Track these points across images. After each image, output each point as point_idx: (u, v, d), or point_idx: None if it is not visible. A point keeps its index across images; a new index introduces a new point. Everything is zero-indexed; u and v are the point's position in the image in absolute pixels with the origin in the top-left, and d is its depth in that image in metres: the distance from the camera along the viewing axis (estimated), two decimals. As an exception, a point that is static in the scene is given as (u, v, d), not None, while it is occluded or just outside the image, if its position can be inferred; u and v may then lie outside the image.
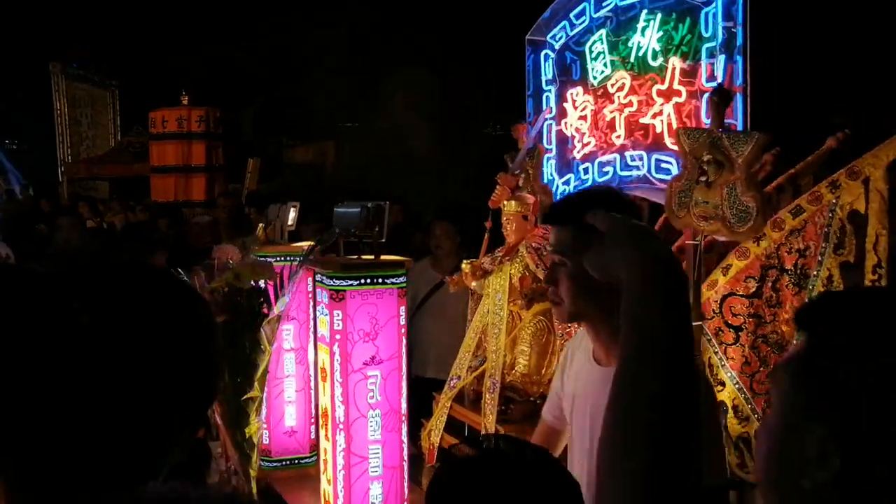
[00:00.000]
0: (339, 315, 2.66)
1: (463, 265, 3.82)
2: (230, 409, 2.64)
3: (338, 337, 2.69)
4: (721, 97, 3.06)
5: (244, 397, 2.64)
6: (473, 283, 3.80)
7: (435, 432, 3.73)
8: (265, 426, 3.42)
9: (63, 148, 20.47)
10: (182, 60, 17.46)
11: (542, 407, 2.42)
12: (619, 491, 0.98)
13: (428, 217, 6.98)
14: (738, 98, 3.19)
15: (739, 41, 3.18)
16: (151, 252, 4.50)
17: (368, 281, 2.69)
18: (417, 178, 12.13)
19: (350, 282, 2.69)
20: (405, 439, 2.85)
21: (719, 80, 3.20)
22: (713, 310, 3.20)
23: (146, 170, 15.17)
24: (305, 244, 3.48)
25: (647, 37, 3.54)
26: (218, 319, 2.58)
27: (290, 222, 3.83)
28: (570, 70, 3.95)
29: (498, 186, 3.80)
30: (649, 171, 3.57)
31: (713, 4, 3.22)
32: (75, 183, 18.63)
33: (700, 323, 3.17)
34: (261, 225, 3.96)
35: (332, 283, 2.69)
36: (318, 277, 2.87)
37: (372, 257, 2.80)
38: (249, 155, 14.11)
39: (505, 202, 3.69)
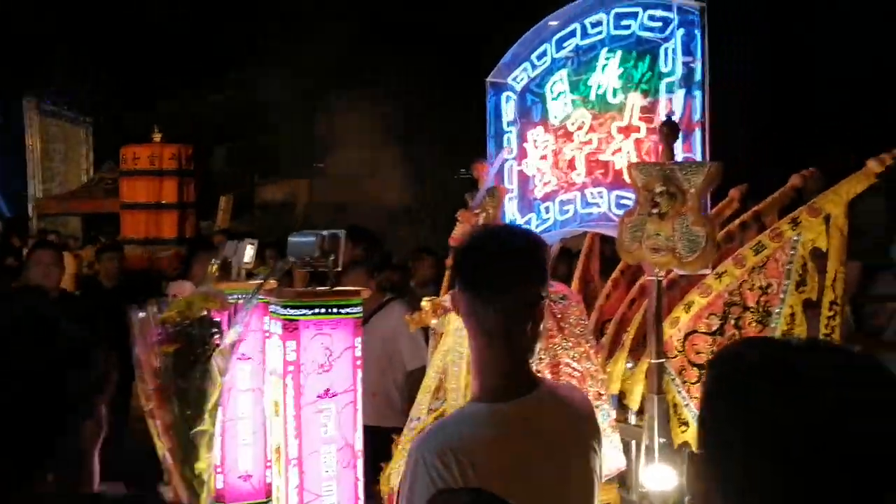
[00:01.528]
0: (292, 346, 2.59)
1: (423, 303, 3.76)
2: (180, 443, 2.53)
3: (290, 368, 2.61)
4: (671, 129, 3.08)
5: (194, 430, 2.54)
6: (433, 322, 3.72)
7: (395, 475, 3.64)
8: (219, 470, 3.30)
9: (35, 183, 20.35)
10: (156, 99, 17.50)
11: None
12: None
13: (401, 257, 6.98)
14: (697, 132, 3.22)
15: (698, 76, 3.22)
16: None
17: (323, 311, 2.63)
18: (389, 219, 12.14)
19: (304, 311, 2.62)
20: (360, 476, 2.76)
21: (678, 115, 3.23)
22: (676, 348, 3.17)
23: (118, 206, 15.04)
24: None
25: (606, 75, 3.57)
26: (168, 349, 2.47)
27: (247, 260, 3.73)
28: (531, 111, 3.99)
29: (458, 224, 3.80)
30: (609, 208, 3.58)
31: (672, 40, 3.26)
32: (46, 219, 18.48)
33: (662, 361, 3.14)
34: (213, 261, 3.87)
35: (285, 312, 2.62)
36: (271, 308, 2.80)
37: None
38: (221, 193, 14.07)
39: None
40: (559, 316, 3.49)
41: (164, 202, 14.11)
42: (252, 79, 16.23)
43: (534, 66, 3.94)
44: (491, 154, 4.18)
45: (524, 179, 4.01)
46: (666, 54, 3.33)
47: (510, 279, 1.71)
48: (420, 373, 3.99)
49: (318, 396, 2.64)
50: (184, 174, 14.10)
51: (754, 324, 3.00)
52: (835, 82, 11.32)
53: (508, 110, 4.08)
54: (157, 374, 2.47)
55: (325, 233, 2.75)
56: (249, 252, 3.67)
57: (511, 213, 4.03)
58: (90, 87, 20.21)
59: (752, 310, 3.02)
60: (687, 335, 3.15)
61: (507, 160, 4.06)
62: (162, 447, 2.56)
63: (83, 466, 1.24)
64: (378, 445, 3.79)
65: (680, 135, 3.19)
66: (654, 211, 2.99)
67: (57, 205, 18.93)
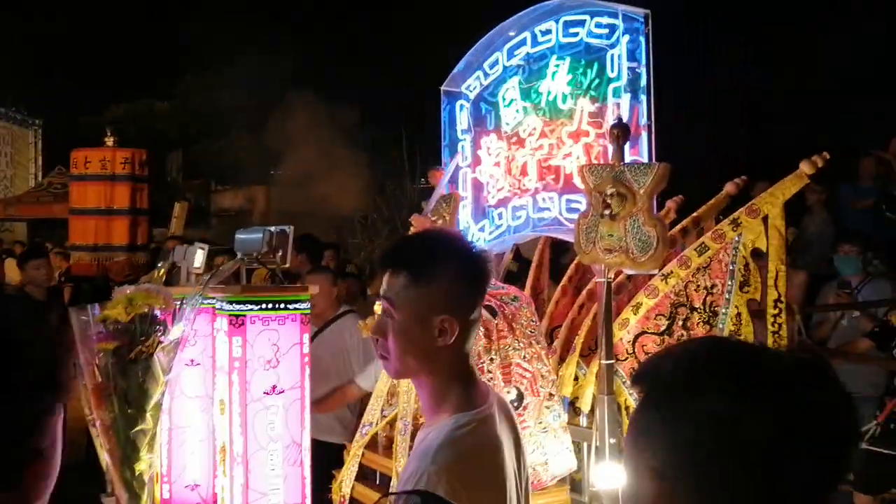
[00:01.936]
0: (238, 341, 2.56)
1: (375, 307, 3.72)
2: (119, 442, 2.47)
3: (237, 364, 2.59)
4: (621, 131, 3.14)
5: (135, 430, 2.49)
6: None
7: (346, 482, 3.64)
8: (166, 480, 3.24)
9: (-22, 187, 19.92)
10: (109, 103, 17.25)
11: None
12: None
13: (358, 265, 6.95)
14: (644, 136, 3.30)
15: (644, 81, 3.31)
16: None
17: (270, 306, 2.62)
18: (347, 227, 12.09)
19: (250, 306, 2.60)
20: (307, 474, 2.75)
21: (625, 119, 3.31)
22: (626, 350, 3.23)
23: (66, 211, 14.72)
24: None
25: (556, 82, 3.66)
26: (108, 346, 2.43)
27: (196, 265, 3.69)
28: (485, 119, 4.06)
29: (412, 229, 3.83)
30: (560, 212, 3.65)
31: (617, 47, 3.35)
32: (-10, 224, 18.06)
33: (612, 362, 3.18)
34: (160, 265, 3.82)
35: (231, 307, 2.61)
36: (217, 305, 2.79)
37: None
38: (175, 199, 13.87)
39: None
40: (511, 317, 3.53)
41: (115, 208, 13.79)
42: (208, 84, 16.07)
43: (486, 75, 4.02)
44: (446, 161, 4.24)
45: (478, 186, 4.08)
46: (612, 60, 3.42)
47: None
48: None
49: (265, 393, 2.62)
50: (137, 180, 13.79)
51: (701, 324, 3.07)
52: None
53: (462, 118, 4.15)
54: (96, 373, 2.43)
55: (272, 228, 2.74)
56: (199, 256, 3.63)
57: (465, 219, 4.08)
58: (40, 89, 19.80)
59: (698, 310, 3.09)
60: (636, 337, 3.21)
61: (461, 167, 4.13)
62: (103, 453, 2.52)
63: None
64: (325, 460, 3.76)
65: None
66: (606, 212, 3.05)
67: (2, 209, 18.39)
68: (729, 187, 3.35)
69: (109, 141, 13.91)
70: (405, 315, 1.63)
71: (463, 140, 4.16)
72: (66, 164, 15.23)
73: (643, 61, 3.34)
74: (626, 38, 3.38)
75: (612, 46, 3.42)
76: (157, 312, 2.58)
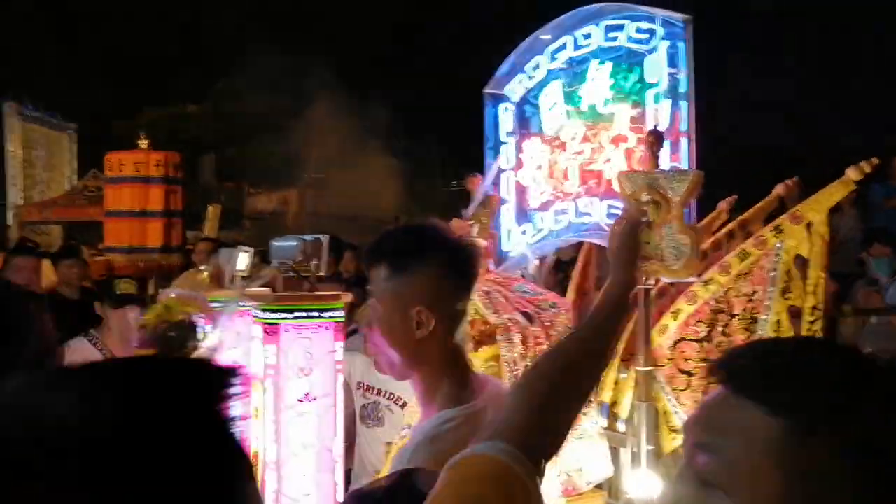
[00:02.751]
0: (272, 349, 2.62)
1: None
2: None
3: (271, 372, 2.65)
4: (656, 139, 3.16)
5: None
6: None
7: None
8: None
9: (15, 191, 20.22)
10: (144, 107, 17.55)
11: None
12: None
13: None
14: (684, 142, 3.30)
15: (684, 87, 3.32)
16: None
17: (304, 315, 2.67)
18: (378, 229, 12.13)
19: (284, 315, 2.66)
20: (339, 481, 2.80)
21: (665, 125, 3.31)
22: (666, 356, 3.23)
23: (101, 214, 14.95)
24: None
25: (597, 86, 3.69)
26: (147, 353, 2.56)
27: (241, 268, 3.75)
28: (529, 122, 4.09)
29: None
30: (601, 217, 3.66)
31: (657, 52, 3.35)
32: (26, 227, 18.35)
33: (651, 369, 3.19)
34: (204, 268, 3.89)
35: (265, 316, 2.66)
36: (253, 312, 2.85)
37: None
38: (209, 201, 14.05)
39: None
40: (547, 323, 3.55)
41: (149, 210, 13.98)
42: (242, 87, 16.26)
43: (529, 78, 4.06)
44: (489, 164, 4.28)
45: (520, 189, 4.12)
46: (651, 65, 3.43)
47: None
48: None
49: (298, 400, 2.67)
50: (170, 182, 13.95)
51: (741, 331, 3.07)
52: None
53: (507, 121, 4.19)
54: None
55: (307, 237, 2.80)
56: (244, 259, 3.69)
57: (507, 222, 4.13)
58: (75, 93, 20.20)
59: (738, 316, 3.09)
60: (676, 343, 3.21)
61: (503, 170, 4.17)
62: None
63: None
64: None
65: (667, 144, 3.28)
66: (642, 220, 3.08)
67: (37, 212, 18.71)
68: (779, 189, 3.34)
69: (143, 144, 14.12)
70: (386, 307, 1.64)
71: (507, 143, 4.20)
72: (101, 167, 15.51)
73: (683, 67, 3.34)
74: (666, 43, 3.39)
75: (652, 52, 3.43)
76: (195, 319, 2.66)
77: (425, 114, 14.06)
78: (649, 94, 3.45)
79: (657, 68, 3.42)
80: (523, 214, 4.10)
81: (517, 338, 3.49)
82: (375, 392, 3.82)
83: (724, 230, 3.37)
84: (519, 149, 4.15)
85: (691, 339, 3.20)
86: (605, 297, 1.50)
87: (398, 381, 1.84)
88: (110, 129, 17.89)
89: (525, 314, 3.55)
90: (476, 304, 3.57)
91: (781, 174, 3.45)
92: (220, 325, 2.68)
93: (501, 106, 4.21)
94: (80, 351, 3.61)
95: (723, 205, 3.52)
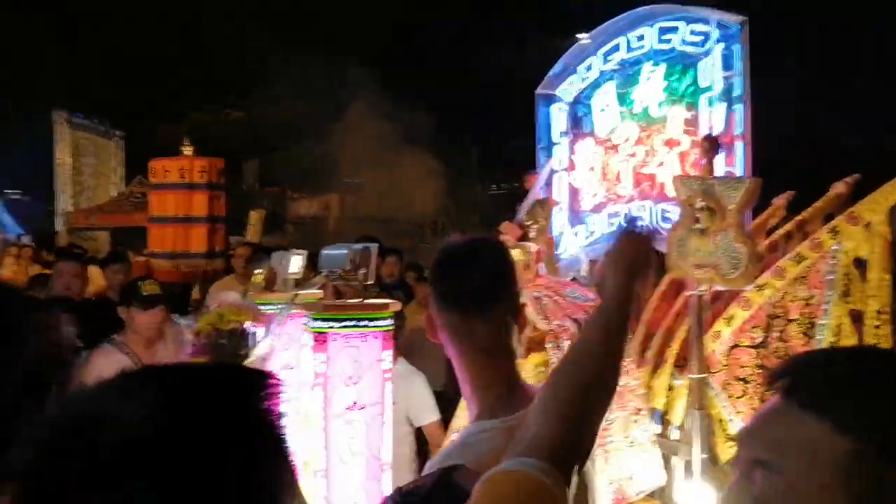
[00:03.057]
0: (321, 357, 2.65)
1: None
2: None
3: (320, 380, 2.67)
4: (711, 144, 3.11)
5: None
6: None
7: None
8: None
9: (64, 198, 20.70)
10: (188, 113, 17.84)
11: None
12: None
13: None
14: (739, 146, 3.24)
15: (739, 90, 3.26)
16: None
17: (351, 323, 2.69)
18: (418, 232, 12.19)
19: (332, 323, 2.69)
20: (387, 489, 2.80)
21: (719, 129, 3.26)
22: (720, 363, 3.18)
23: (146, 220, 15.19)
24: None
25: (650, 88, 3.64)
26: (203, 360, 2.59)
27: (294, 271, 3.77)
28: (582, 123, 4.06)
29: (502, 236, 3.85)
30: (655, 221, 3.61)
31: (711, 55, 3.30)
32: (74, 233, 18.77)
33: (704, 376, 3.14)
34: (259, 272, 3.92)
35: (314, 325, 2.69)
36: (304, 320, 2.88)
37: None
38: (252, 207, 14.22)
39: None
40: None
41: (193, 216, 14.18)
42: (284, 93, 16.42)
43: (582, 79, 4.03)
44: (540, 165, 4.24)
45: (573, 191, 4.08)
46: (705, 69, 3.38)
47: (496, 288, 1.68)
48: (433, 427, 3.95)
49: (347, 408, 2.69)
50: (214, 188, 14.12)
51: (799, 336, 3.00)
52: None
53: (560, 121, 4.16)
54: None
55: (356, 246, 2.82)
56: (297, 263, 3.70)
57: (560, 224, 4.08)
58: (121, 101, 20.60)
59: (796, 321, 3.02)
60: (730, 349, 3.16)
61: (556, 171, 4.14)
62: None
63: None
64: None
65: (721, 149, 3.22)
66: (696, 226, 3.03)
67: (85, 219, 19.14)
68: (839, 187, 3.25)
69: (187, 150, 14.30)
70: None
71: (559, 143, 4.17)
72: (146, 173, 15.79)
73: (738, 69, 3.29)
74: (721, 46, 3.33)
75: (706, 55, 3.38)
76: (246, 327, 2.69)
77: (463, 116, 14.05)
78: (703, 98, 3.40)
79: (711, 71, 3.38)
80: (576, 216, 4.07)
81: (566, 344, 3.47)
82: None
83: (780, 231, 3.29)
84: (571, 150, 4.12)
85: (746, 345, 3.14)
86: (597, 313, 1.49)
87: None
88: (158, 137, 18.19)
89: (575, 320, 3.52)
90: (526, 310, 3.63)
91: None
92: (272, 331, 2.71)
93: (554, 106, 4.19)
94: (107, 355, 3.70)
95: (779, 201, 3.43)
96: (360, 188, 15.14)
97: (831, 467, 0.78)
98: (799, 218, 3.29)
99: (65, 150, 20.46)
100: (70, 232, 18.88)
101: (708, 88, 3.35)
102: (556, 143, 4.17)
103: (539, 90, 4.22)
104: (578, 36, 4.06)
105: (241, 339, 2.67)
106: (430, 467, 1.60)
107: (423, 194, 13.09)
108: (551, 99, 4.20)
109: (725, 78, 3.30)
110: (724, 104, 3.29)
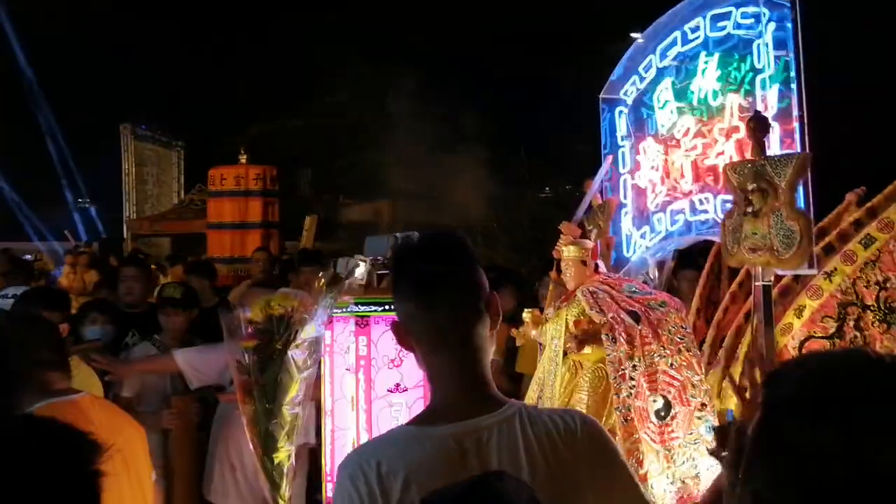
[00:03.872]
0: (363, 341, 2.62)
1: (524, 314, 3.79)
2: (259, 435, 2.57)
3: (362, 363, 2.64)
4: (758, 124, 2.96)
5: (273, 422, 2.57)
6: (533, 332, 3.74)
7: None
8: (329, 479, 3.28)
9: (129, 206, 21.20)
10: (245, 124, 18.11)
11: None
12: None
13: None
14: (796, 127, 3.05)
15: (793, 69, 3.06)
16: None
17: (393, 307, 2.58)
18: (470, 239, 12.07)
19: (374, 307, 2.67)
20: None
21: (774, 110, 3.09)
22: (793, 357, 2.96)
23: (205, 226, 15.43)
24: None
25: (707, 78, 3.49)
26: (249, 345, 2.57)
27: (359, 276, 3.70)
28: (645, 124, 3.92)
29: (562, 235, 3.78)
30: (717, 213, 3.44)
31: (764, 36, 3.13)
32: (138, 239, 19.16)
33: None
34: (320, 276, 3.87)
35: (357, 309, 2.67)
36: (348, 307, 2.82)
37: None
38: (305, 212, 14.29)
39: (564, 248, 3.67)
40: (656, 323, 3.34)
41: (249, 222, 14.36)
42: (338, 102, 16.51)
43: (641, 79, 3.90)
44: (607, 170, 4.15)
45: (638, 192, 3.95)
46: (759, 50, 3.21)
47: (447, 276, 1.53)
48: None
49: (389, 391, 2.64)
50: (268, 194, 14.35)
51: (877, 323, 2.77)
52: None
53: (621, 125, 4.04)
54: (240, 369, 2.54)
55: (398, 234, 2.87)
56: (362, 269, 3.60)
57: (627, 226, 3.98)
58: (183, 112, 21.02)
59: (872, 308, 2.80)
60: (802, 342, 2.95)
61: (621, 174, 4.04)
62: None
63: None
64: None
65: (777, 130, 3.05)
66: (749, 210, 2.89)
67: (148, 226, 19.52)
68: None
69: (243, 158, 14.55)
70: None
71: (623, 146, 4.05)
72: (206, 182, 16.04)
73: (791, 48, 3.10)
74: (772, 25, 3.16)
75: (760, 36, 3.21)
76: (293, 314, 2.66)
77: (516, 122, 13.95)
78: (758, 80, 3.21)
79: (764, 52, 3.19)
80: (643, 217, 3.92)
81: (622, 337, 3.32)
82: None
83: (849, 219, 3.06)
84: (636, 150, 3.97)
85: (820, 337, 2.92)
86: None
87: None
88: (217, 146, 18.48)
89: (632, 313, 3.38)
90: (582, 303, 3.51)
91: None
92: (317, 318, 2.63)
93: (617, 110, 4.05)
94: (143, 350, 4.26)
95: (851, 196, 3.23)
96: (412, 194, 15.17)
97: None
98: (868, 205, 3.06)
99: (130, 161, 20.93)
100: (135, 239, 19.23)
101: (762, 70, 3.15)
102: (620, 147, 4.03)
103: (602, 95, 4.09)
104: (633, 35, 3.91)
105: (289, 324, 2.63)
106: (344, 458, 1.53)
107: (473, 200, 13.02)
108: (614, 103, 4.06)
109: (778, 57, 3.10)
110: (778, 84, 3.10)
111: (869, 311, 2.80)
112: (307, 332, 2.63)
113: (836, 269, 2.86)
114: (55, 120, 22.87)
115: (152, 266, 11.39)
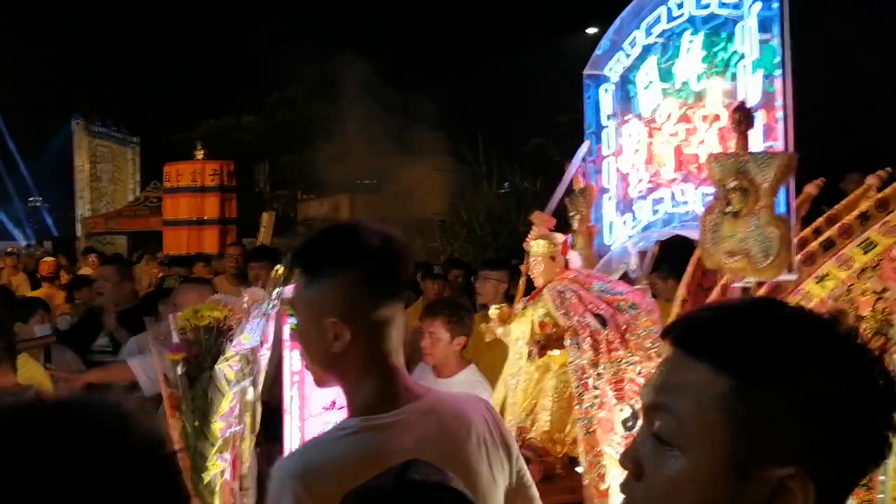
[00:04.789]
0: (297, 354, 2.25)
1: (491, 311, 3.45)
2: (188, 451, 2.36)
3: (296, 378, 2.35)
4: (743, 116, 2.68)
5: (201, 440, 2.34)
6: (499, 330, 3.41)
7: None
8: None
9: (83, 204, 20.56)
10: (201, 119, 17.64)
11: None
12: None
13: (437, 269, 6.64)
14: (779, 118, 2.74)
15: (777, 55, 2.74)
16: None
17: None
18: (427, 231, 11.87)
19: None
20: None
21: (756, 98, 2.78)
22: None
23: (162, 224, 15.02)
24: None
25: (690, 59, 3.16)
26: (176, 357, 2.34)
27: None
28: (631, 103, 3.55)
29: (534, 227, 3.43)
30: (697, 205, 3.12)
31: (748, 17, 2.80)
32: (93, 238, 18.59)
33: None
34: (278, 266, 3.54)
35: (293, 321, 2.28)
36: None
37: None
38: (263, 208, 13.89)
39: (532, 242, 3.35)
40: (624, 327, 3.06)
41: (206, 218, 14.00)
42: (293, 97, 16.17)
43: (627, 55, 3.53)
44: (590, 151, 3.78)
45: (622, 177, 3.58)
46: (742, 33, 2.89)
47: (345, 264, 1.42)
48: None
49: (324, 408, 2.39)
50: (225, 190, 14.01)
51: (874, 337, 2.43)
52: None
53: (606, 103, 3.65)
54: (168, 383, 2.35)
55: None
56: None
57: (610, 214, 3.60)
58: (137, 107, 20.42)
59: (867, 319, 2.47)
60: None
61: (605, 156, 3.68)
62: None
63: None
64: None
65: (760, 122, 2.75)
66: (729, 209, 2.60)
67: (103, 223, 19.00)
68: None
69: (199, 154, 14.11)
70: (303, 318, 1.49)
71: (607, 126, 3.64)
72: (162, 178, 15.54)
73: (777, 31, 2.77)
74: (758, 6, 2.83)
75: (743, 18, 2.89)
76: (223, 324, 2.36)
77: (474, 116, 13.74)
78: (741, 66, 2.88)
79: (748, 35, 2.86)
80: (626, 204, 3.54)
81: (587, 343, 3.05)
82: None
83: (854, 213, 2.72)
84: (619, 133, 3.59)
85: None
86: None
87: (320, 388, 1.63)
88: (172, 142, 17.94)
89: (598, 316, 3.07)
90: (547, 304, 3.21)
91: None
92: (248, 329, 2.24)
93: (602, 87, 3.66)
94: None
95: (872, 180, 2.90)
96: (370, 189, 14.92)
97: (712, 406, 0.84)
98: (880, 196, 2.72)
99: (83, 158, 20.31)
100: (89, 237, 18.65)
101: (745, 55, 2.83)
102: (605, 127, 3.64)
103: (586, 71, 3.72)
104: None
105: (216, 336, 2.28)
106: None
107: (431, 194, 12.78)
108: (599, 79, 3.68)
109: (762, 42, 2.77)
110: (762, 71, 2.77)
111: (863, 323, 2.48)
112: (240, 342, 2.26)
113: (829, 273, 2.53)
114: (2, 116, 22.00)
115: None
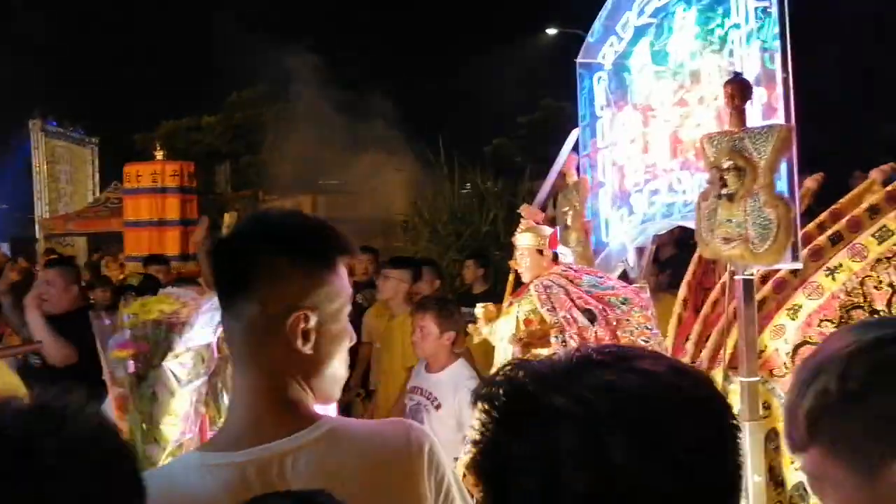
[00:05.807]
0: None
1: (477, 309, 3.27)
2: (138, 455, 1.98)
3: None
4: (738, 89, 2.43)
5: (149, 442, 2.08)
6: (485, 330, 3.21)
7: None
8: None
9: (41, 205, 19.77)
10: (160, 119, 17.15)
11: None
12: None
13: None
14: (779, 92, 2.49)
15: (775, 24, 2.47)
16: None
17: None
18: (391, 232, 11.63)
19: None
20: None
21: (754, 71, 2.52)
22: (784, 364, 2.38)
23: (122, 225, 14.47)
24: None
25: (683, 37, 2.89)
26: (122, 354, 2.09)
27: None
28: (627, 91, 3.29)
29: (522, 221, 3.21)
30: (696, 194, 2.85)
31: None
32: (52, 239, 17.88)
33: (757, 380, 2.37)
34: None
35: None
36: None
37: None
38: (224, 209, 13.46)
39: (519, 235, 3.15)
40: (615, 323, 2.79)
41: (167, 219, 13.53)
42: (253, 97, 15.83)
43: (619, 39, 3.27)
44: (585, 144, 3.52)
45: (617, 169, 3.33)
46: (737, 1, 2.61)
47: (246, 279, 1.23)
48: None
49: None
50: (186, 191, 13.57)
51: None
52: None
53: (600, 93, 3.39)
54: (115, 382, 2.10)
55: None
56: None
57: (606, 208, 3.35)
58: (96, 108, 19.75)
59: (881, 314, 2.23)
60: (796, 347, 2.38)
61: (600, 149, 3.43)
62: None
63: None
64: None
65: (759, 101, 2.49)
66: (724, 191, 2.38)
67: (63, 225, 18.40)
68: None
69: (159, 154, 13.69)
70: None
71: (601, 117, 3.39)
72: (122, 179, 14.98)
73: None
74: (754, -33, 2.57)
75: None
76: (172, 318, 2.03)
77: (437, 117, 13.54)
78: (736, 36, 2.62)
79: (743, 4, 2.59)
80: (623, 196, 3.28)
81: (573, 340, 2.84)
82: (419, 393, 3.50)
83: (864, 205, 2.49)
84: (614, 122, 3.33)
85: (816, 343, 2.34)
86: None
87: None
88: (131, 142, 17.35)
89: (587, 311, 2.81)
90: (533, 300, 2.98)
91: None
92: (204, 321, 1.91)
93: (595, 76, 3.40)
94: None
95: (875, 174, 2.68)
96: (332, 189, 14.59)
97: None
98: (890, 188, 2.49)
99: (41, 158, 19.55)
100: (48, 238, 17.94)
101: (739, 24, 2.56)
102: (598, 118, 3.37)
103: (579, 59, 3.46)
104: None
105: (166, 332, 1.94)
106: None
107: (394, 195, 12.51)
108: (592, 68, 3.41)
109: (759, 9, 2.51)
110: (759, 42, 2.51)
111: (877, 317, 2.24)
112: (192, 339, 1.92)
113: (841, 264, 2.29)
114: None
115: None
